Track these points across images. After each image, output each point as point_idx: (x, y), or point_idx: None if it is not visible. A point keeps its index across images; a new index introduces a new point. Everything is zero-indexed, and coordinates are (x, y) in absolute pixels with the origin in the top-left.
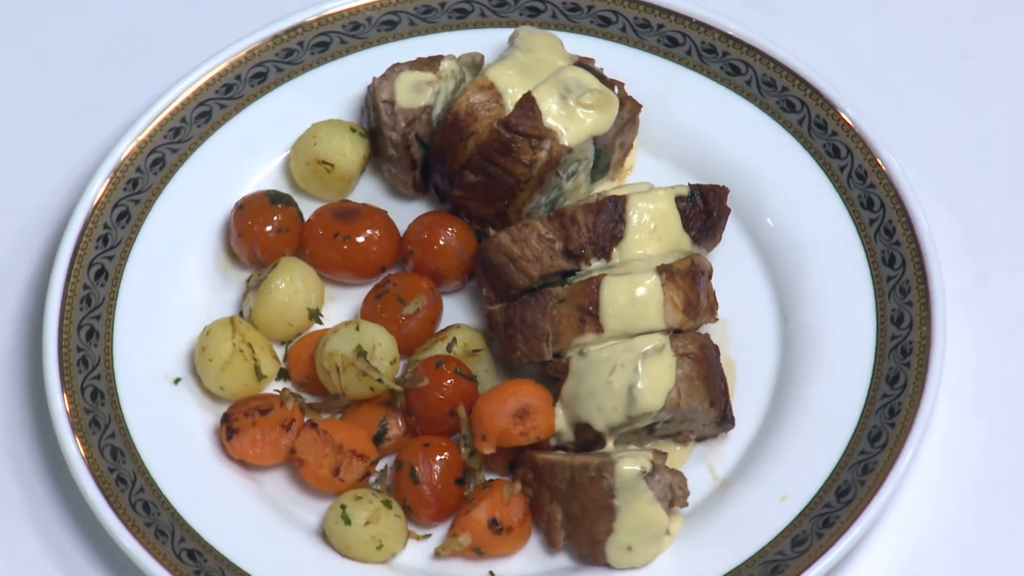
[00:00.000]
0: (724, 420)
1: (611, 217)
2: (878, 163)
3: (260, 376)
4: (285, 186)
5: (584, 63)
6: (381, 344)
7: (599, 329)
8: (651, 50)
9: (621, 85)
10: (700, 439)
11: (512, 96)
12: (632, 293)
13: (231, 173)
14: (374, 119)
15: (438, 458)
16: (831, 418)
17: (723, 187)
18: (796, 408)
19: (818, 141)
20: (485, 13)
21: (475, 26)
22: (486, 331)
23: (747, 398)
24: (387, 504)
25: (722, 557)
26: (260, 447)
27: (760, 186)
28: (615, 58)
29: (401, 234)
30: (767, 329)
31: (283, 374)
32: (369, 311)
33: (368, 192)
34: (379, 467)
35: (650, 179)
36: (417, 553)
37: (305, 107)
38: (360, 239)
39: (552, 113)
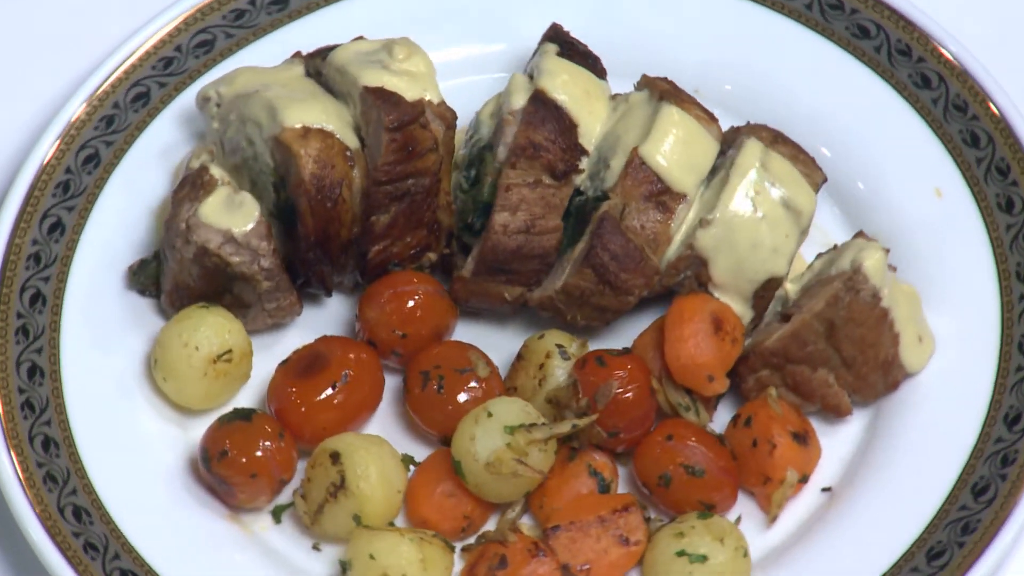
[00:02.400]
0: None
1: (551, 114)
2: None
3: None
4: None
5: None
6: (528, 411)
7: (678, 192)
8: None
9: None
10: None
11: (341, 122)
12: (674, 132)
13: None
14: (220, 273)
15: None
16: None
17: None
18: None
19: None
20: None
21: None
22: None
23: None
24: None
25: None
26: None
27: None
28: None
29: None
30: None
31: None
32: (427, 403)
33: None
34: None
35: None
36: None
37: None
38: (342, 397)
39: (397, 86)
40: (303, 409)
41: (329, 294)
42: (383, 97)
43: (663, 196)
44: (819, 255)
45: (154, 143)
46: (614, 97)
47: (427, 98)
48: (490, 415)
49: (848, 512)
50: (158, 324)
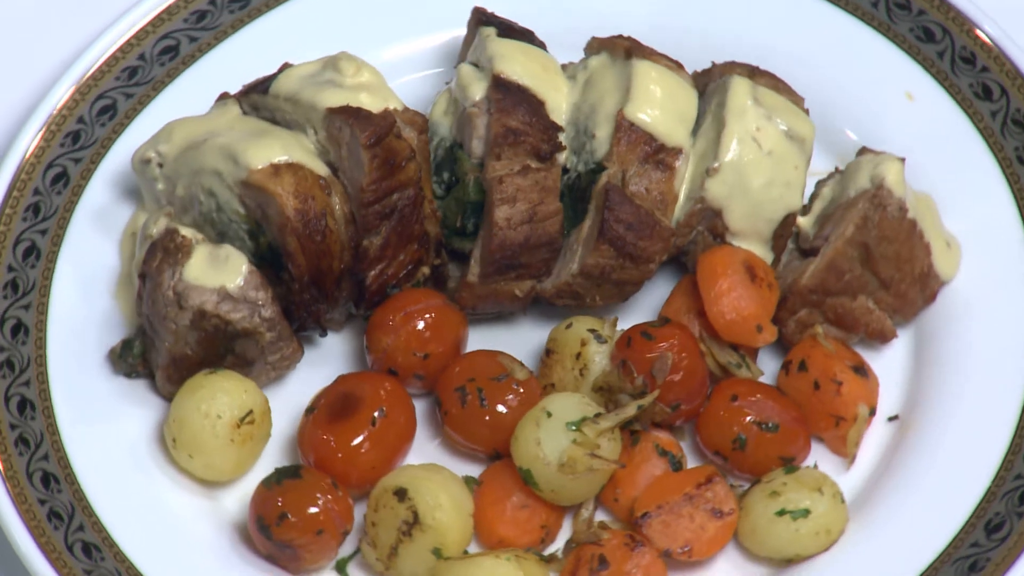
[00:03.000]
0: None
1: (518, 96)
2: None
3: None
4: None
5: None
6: (586, 402)
7: (674, 147)
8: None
9: None
10: None
11: (305, 153)
12: (654, 87)
13: None
14: (221, 334)
15: None
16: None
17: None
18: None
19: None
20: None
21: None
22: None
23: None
24: None
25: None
26: None
27: None
28: None
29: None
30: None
31: None
32: (471, 420)
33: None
34: None
35: None
36: None
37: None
38: (381, 433)
39: (361, 101)
40: (345, 455)
41: (324, 334)
42: (352, 115)
43: (660, 154)
44: (820, 182)
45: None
46: (565, 67)
47: (391, 107)
48: (549, 415)
49: (923, 439)
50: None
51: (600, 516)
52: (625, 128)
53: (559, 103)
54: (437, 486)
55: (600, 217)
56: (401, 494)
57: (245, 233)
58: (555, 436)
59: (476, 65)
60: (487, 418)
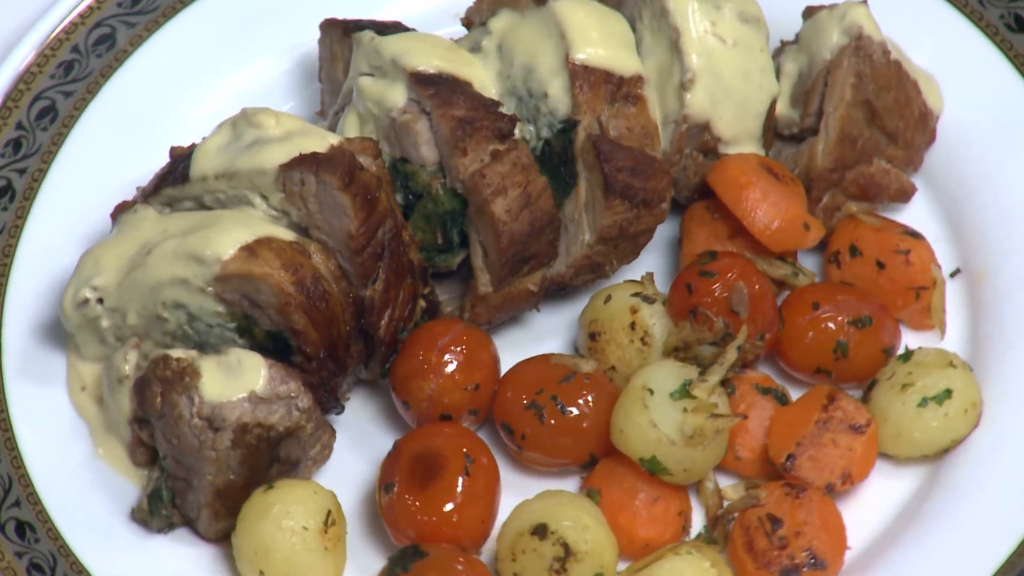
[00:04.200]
0: None
1: (448, 85)
2: None
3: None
4: None
5: None
6: (677, 366)
7: (633, 76)
8: None
9: None
10: None
11: (267, 223)
12: (586, 22)
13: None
14: (263, 444)
15: None
16: None
17: None
18: None
19: None
20: None
21: None
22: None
23: None
24: None
25: None
26: None
27: None
28: None
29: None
30: None
31: None
32: (558, 432)
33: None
34: None
35: None
36: None
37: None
38: (477, 483)
39: (307, 147)
40: (449, 518)
41: (342, 409)
42: (311, 162)
43: (624, 88)
44: (775, 59)
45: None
46: (458, 43)
47: (334, 142)
48: (652, 392)
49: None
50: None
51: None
52: (580, 73)
53: (482, 79)
54: (575, 509)
55: (599, 173)
56: (541, 531)
57: (233, 332)
58: (667, 412)
59: (370, 74)
60: (573, 425)
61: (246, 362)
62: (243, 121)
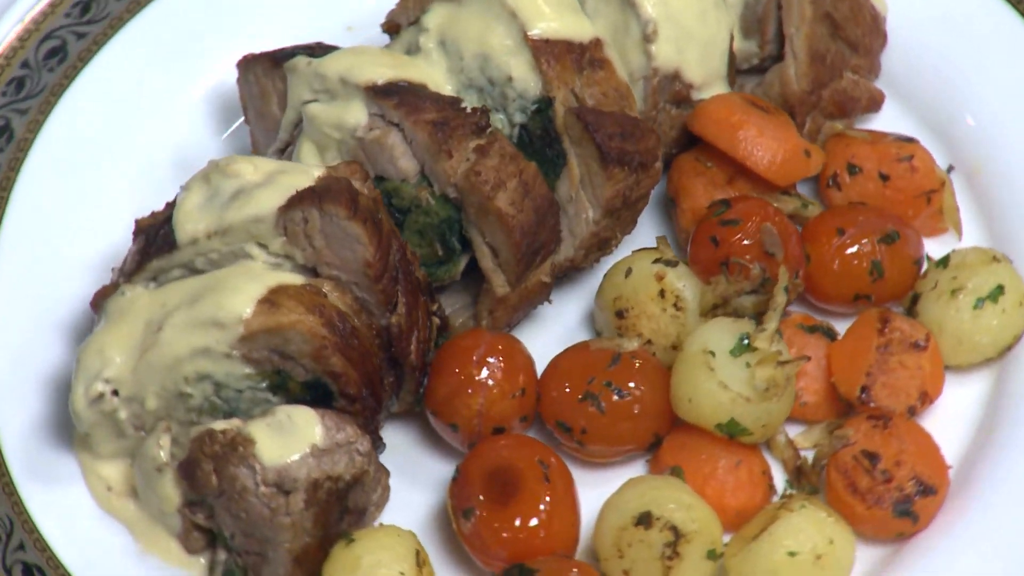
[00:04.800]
0: None
1: (405, 90)
2: None
3: None
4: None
5: None
6: (729, 321)
7: (591, 40)
8: None
9: None
10: None
11: (274, 273)
12: None
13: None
14: (333, 498)
15: None
16: None
17: None
18: None
19: None
20: None
21: None
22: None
23: None
24: None
25: None
26: None
27: None
28: None
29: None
30: None
31: None
32: (620, 417)
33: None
34: None
35: None
36: None
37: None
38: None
39: (294, 185)
40: (538, 532)
41: (384, 446)
42: (311, 197)
43: (587, 54)
44: None
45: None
46: (390, 46)
47: (319, 173)
48: (712, 353)
49: None
50: None
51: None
52: (543, 48)
53: (435, 79)
54: (673, 491)
55: (590, 145)
56: (646, 520)
57: (266, 392)
58: (733, 370)
59: (315, 100)
60: (633, 408)
61: (297, 417)
62: (216, 173)
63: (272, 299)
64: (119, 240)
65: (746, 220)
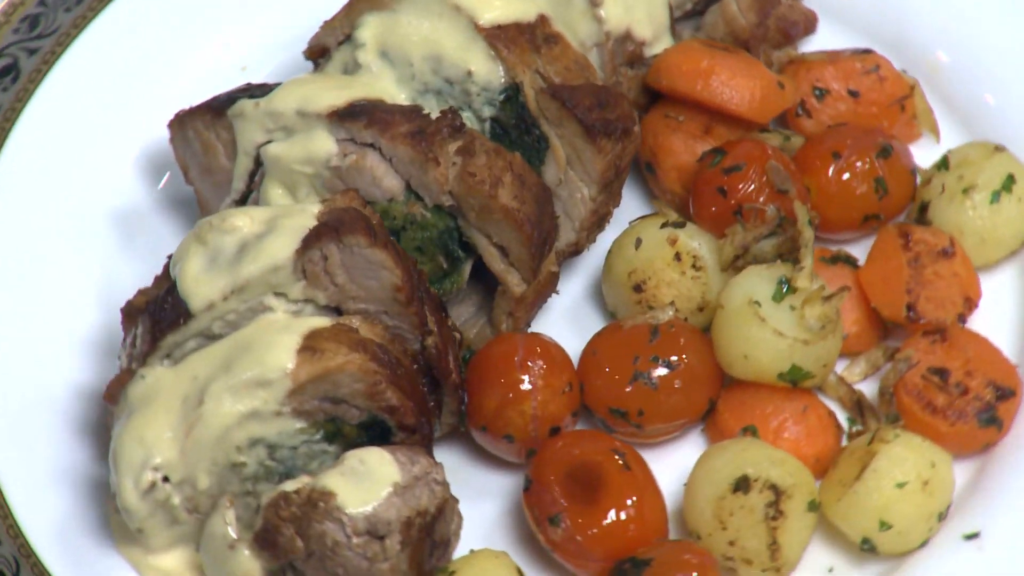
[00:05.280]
0: None
1: (374, 110)
2: None
3: None
4: None
5: None
6: (764, 267)
7: (538, 17)
8: None
9: None
10: None
11: (301, 319)
12: None
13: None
14: (423, 533)
15: None
16: None
17: None
18: None
19: None
20: None
21: None
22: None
23: None
24: None
25: None
26: None
27: None
28: None
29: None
30: None
31: None
32: (671, 393)
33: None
34: None
35: None
36: None
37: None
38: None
39: (297, 228)
40: (639, 517)
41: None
42: (327, 233)
43: (538, 32)
44: None
45: None
46: (319, 71)
47: (318, 209)
48: (758, 303)
49: None
50: None
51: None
52: (497, 35)
53: (389, 91)
54: (760, 449)
55: (572, 122)
56: (743, 484)
57: (322, 443)
58: (783, 316)
59: (271, 140)
60: (687, 378)
61: (370, 459)
62: (212, 232)
63: (311, 345)
64: (55, 299)
65: (748, 163)
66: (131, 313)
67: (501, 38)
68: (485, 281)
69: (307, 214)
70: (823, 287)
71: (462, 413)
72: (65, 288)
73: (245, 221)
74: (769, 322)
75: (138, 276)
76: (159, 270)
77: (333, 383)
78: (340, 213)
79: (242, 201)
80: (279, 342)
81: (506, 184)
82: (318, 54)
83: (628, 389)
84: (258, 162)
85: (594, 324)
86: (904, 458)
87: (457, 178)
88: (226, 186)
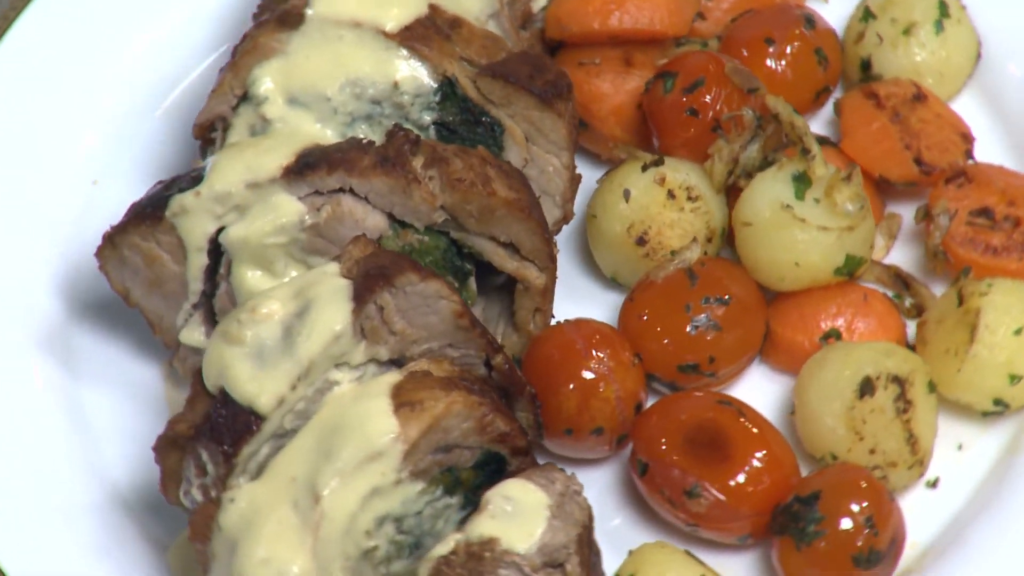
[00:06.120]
0: None
1: (327, 159)
2: None
3: None
4: None
5: None
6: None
7: (433, 9)
8: None
9: None
10: None
11: (372, 384)
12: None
13: None
14: None
15: None
16: None
17: None
18: None
19: None
20: None
21: None
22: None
23: None
24: None
25: None
26: None
27: None
28: None
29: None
30: None
31: None
32: (741, 334)
33: None
34: None
35: None
36: None
37: None
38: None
39: (331, 288)
40: (768, 469)
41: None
42: (378, 281)
43: (435, 20)
44: None
45: None
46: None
47: (332, 269)
48: (788, 206)
49: None
50: None
51: None
52: (408, 36)
53: (322, 133)
54: (862, 348)
55: (522, 95)
56: (867, 386)
57: (444, 497)
58: (816, 210)
59: (223, 226)
60: (741, 309)
61: (513, 492)
62: (244, 329)
63: (404, 401)
64: None
65: (706, 75)
66: (176, 444)
67: (414, 38)
68: (482, 291)
69: (329, 275)
70: (838, 169)
71: (539, 424)
72: None
73: (275, 306)
74: (809, 220)
75: None
76: None
77: (444, 430)
78: (377, 259)
79: (204, 302)
80: (372, 410)
81: (494, 178)
82: (207, 129)
83: (691, 340)
84: (214, 255)
85: (594, 295)
86: (1010, 304)
87: (445, 189)
88: (181, 294)
